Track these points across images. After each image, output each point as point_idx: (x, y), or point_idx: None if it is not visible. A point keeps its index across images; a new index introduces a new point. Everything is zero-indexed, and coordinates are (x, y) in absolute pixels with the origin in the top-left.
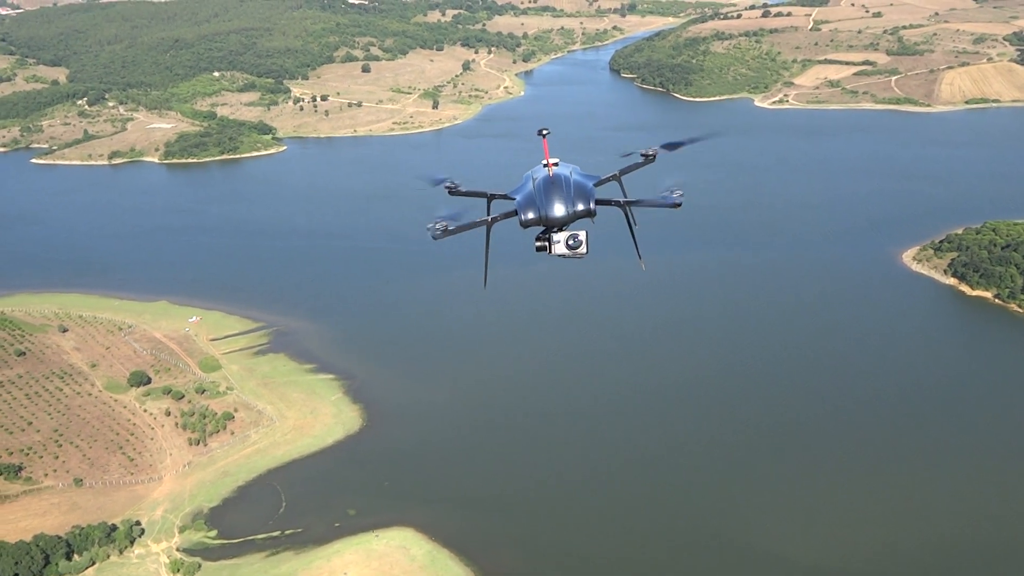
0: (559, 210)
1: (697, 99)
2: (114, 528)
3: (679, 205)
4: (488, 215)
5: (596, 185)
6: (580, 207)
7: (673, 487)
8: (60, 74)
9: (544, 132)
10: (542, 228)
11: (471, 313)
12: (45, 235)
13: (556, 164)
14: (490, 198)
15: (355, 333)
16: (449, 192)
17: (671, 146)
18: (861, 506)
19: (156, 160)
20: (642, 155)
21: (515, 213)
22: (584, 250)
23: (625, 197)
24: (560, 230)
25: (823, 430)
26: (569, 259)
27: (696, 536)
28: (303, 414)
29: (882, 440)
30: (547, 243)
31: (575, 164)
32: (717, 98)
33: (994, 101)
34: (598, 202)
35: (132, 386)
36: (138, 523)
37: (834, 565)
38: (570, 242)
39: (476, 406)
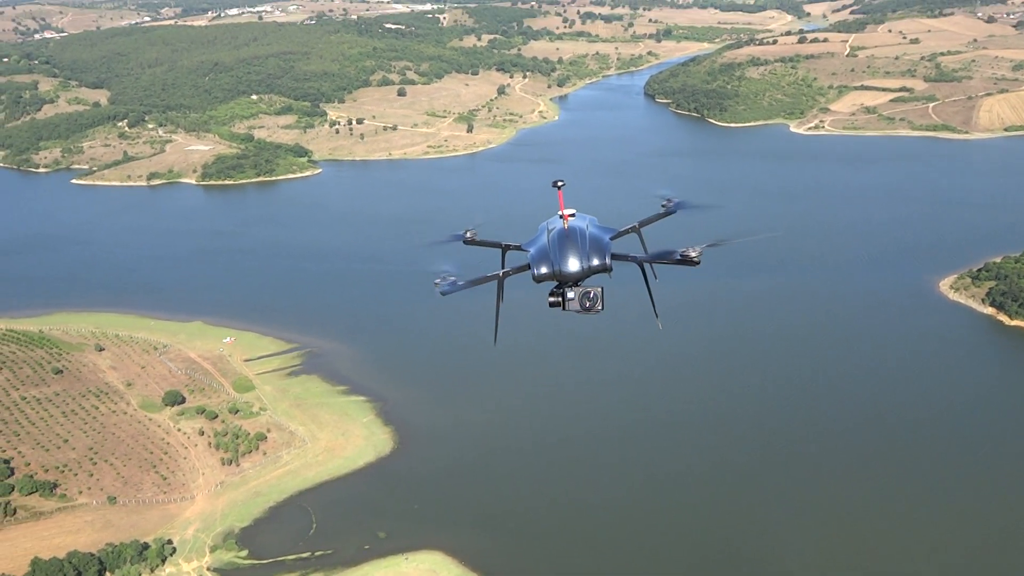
0: (573, 265)
1: (732, 124)
2: (146, 546)
3: (697, 263)
4: (503, 266)
5: (614, 238)
6: (596, 262)
7: (705, 513)
8: (102, 96)
9: (559, 184)
10: (556, 283)
11: (503, 338)
12: (83, 255)
13: (573, 215)
14: (504, 249)
15: (387, 355)
16: (464, 242)
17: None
18: (889, 531)
19: (193, 182)
20: (663, 206)
21: (528, 267)
22: (599, 307)
23: (645, 249)
24: (575, 285)
25: (854, 456)
26: (585, 315)
27: (727, 558)
28: (335, 436)
29: (914, 465)
30: (561, 299)
31: (593, 215)
32: (752, 124)
33: None
34: (614, 257)
35: (166, 405)
36: (170, 542)
37: None
38: (584, 299)
39: (507, 429)
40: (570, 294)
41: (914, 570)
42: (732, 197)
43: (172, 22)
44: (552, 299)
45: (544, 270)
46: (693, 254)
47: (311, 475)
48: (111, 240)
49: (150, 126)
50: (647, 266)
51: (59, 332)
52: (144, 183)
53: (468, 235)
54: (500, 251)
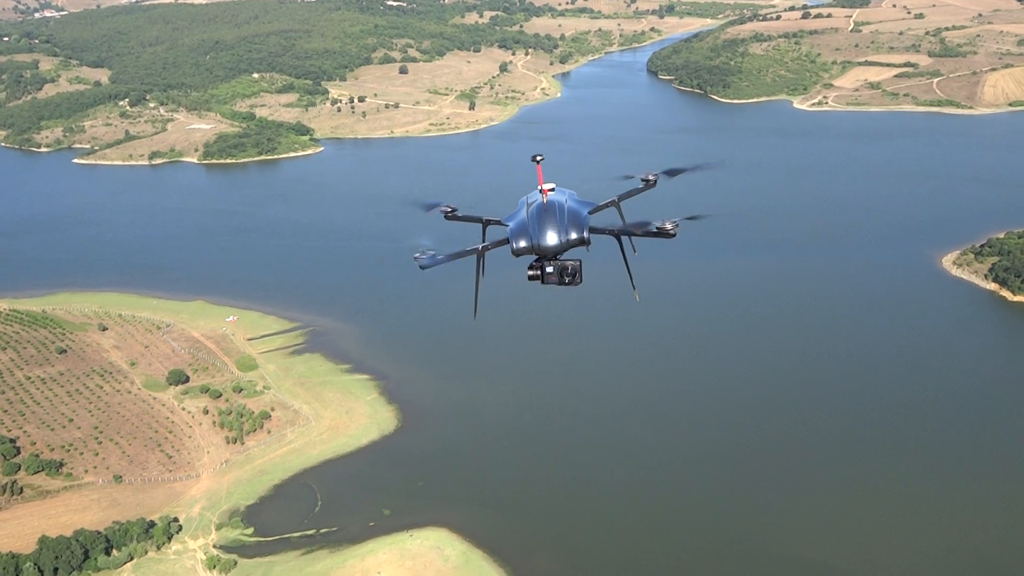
0: (552, 239)
1: (735, 101)
2: (152, 524)
3: (673, 235)
4: (483, 240)
5: (593, 211)
6: (573, 236)
7: (703, 491)
8: (103, 75)
9: (538, 158)
10: (535, 257)
11: (506, 315)
12: (85, 235)
13: (552, 190)
14: (485, 224)
15: (390, 334)
16: (446, 217)
17: (672, 172)
18: (894, 513)
19: (195, 160)
20: (642, 180)
21: (508, 241)
22: (578, 280)
23: (623, 223)
24: (554, 259)
25: (857, 435)
26: (566, 287)
27: (728, 542)
28: (339, 414)
29: (918, 446)
30: (540, 272)
31: (572, 190)
32: (755, 100)
33: None
34: (592, 230)
35: (170, 384)
36: (176, 520)
37: (866, 572)
38: (563, 273)
39: (510, 408)
40: (549, 268)
41: (916, 550)
42: (735, 174)
43: (173, 0)
44: (531, 272)
45: (523, 244)
46: (669, 226)
47: (315, 453)
48: (113, 220)
49: (151, 105)
50: (625, 239)
51: (62, 312)
52: (146, 162)
53: (448, 210)
54: (481, 225)
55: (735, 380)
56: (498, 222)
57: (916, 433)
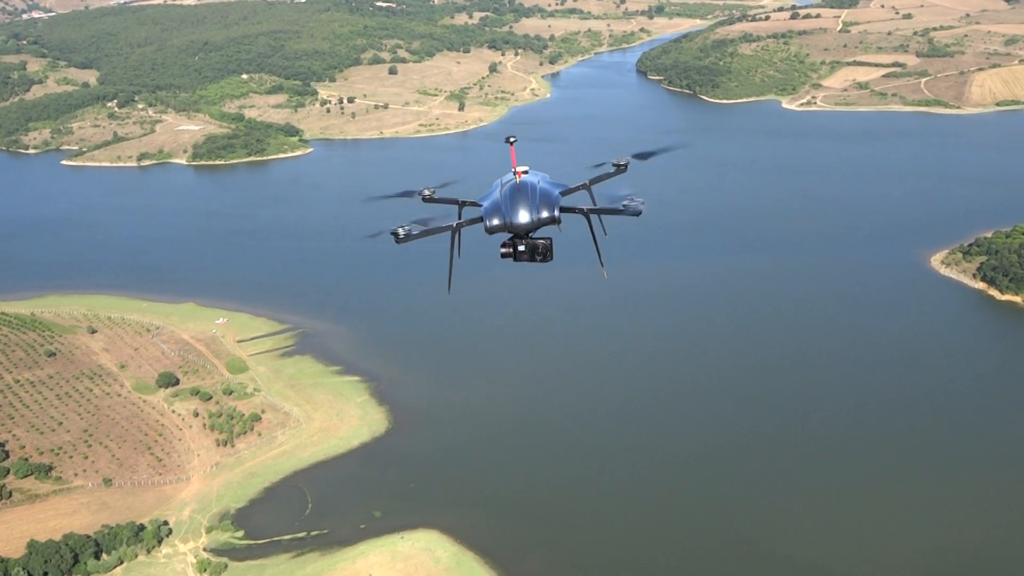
0: (523, 217)
1: (724, 101)
2: (142, 528)
3: (640, 213)
4: (458, 219)
5: (565, 193)
6: (544, 215)
7: (699, 491)
8: (91, 76)
9: (511, 140)
10: (508, 235)
11: (496, 316)
12: (74, 237)
13: (525, 172)
14: (461, 205)
15: (381, 335)
16: (424, 199)
17: (643, 156)
18: (890, 512)
19: (184, 162)
20: (614, 165)
21: (481, 219)
22: (549, 258)
23: (595, 204)
24: (526, 237)
25: (850, 435)
26: (538, 264)
27: (723, 541)
28: (329, 416)
29: (910, 445)
30: (512, 250)
31: (545, 173)
32: (744, 100)
33: None
34: (562, 210)
35: (160, 387)
36: (166, 523)
37: (864, 571)
38: (534, 251)
39: (502, 409)
40: (520, 246)
41: (912, 548)
42: (726, 174)
43: (161, 1)
44: (504, 250)
45: (496, 222)
46: (637, 204)
47: (306, 455)
48: (102, 222)
49: (140, 106)
50: (593, 219)
51: (51, 315)
52: (134, 164)
53: (426, 193)
54: (457, 207)
55: (728, 380)
56: (473, 203)
57: (907, 432)
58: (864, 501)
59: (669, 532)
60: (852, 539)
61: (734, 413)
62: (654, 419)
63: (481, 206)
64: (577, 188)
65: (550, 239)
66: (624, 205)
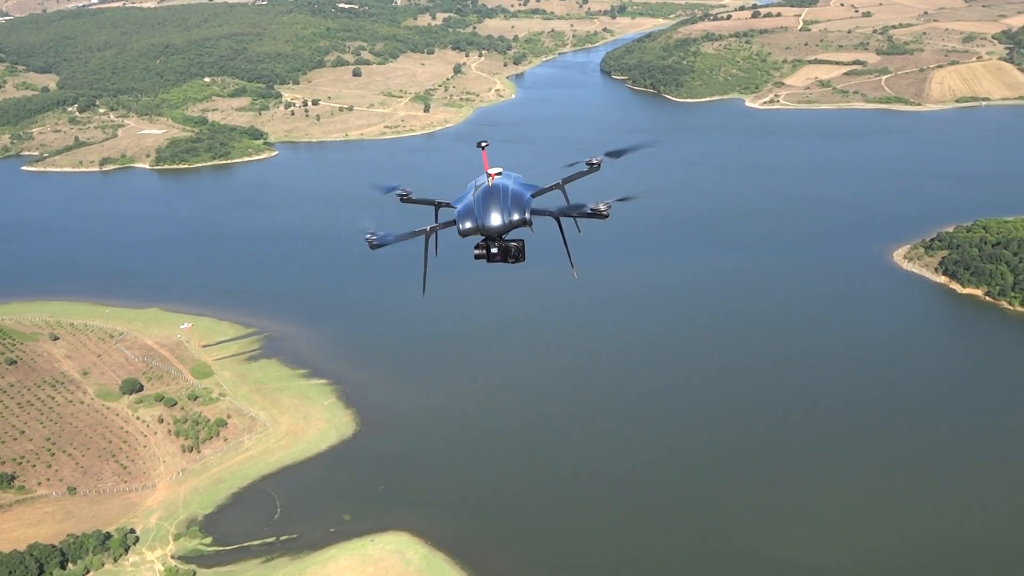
0: (495, 220)
1: (688, 100)
2: (108, 536)
3: (606, 216)
4: (435, 221)
5: (537, 195)
6: (516, 217)
7: (669, 490)
8: (50, 81)
9: (483, 144)
10: (481, 237)
11: (466, 318)
12: (35, 243)
13: (499, 173)
14: (437, 206)
15: (347, 338)
16: (401, 200)
17: (615, 154)
18: (860, 506)
19: (147, 166)
20: (587, 164)
21: (455, 222)
22: (521, 259)
23: (567, 205)
24: (499, 239)
25: (818, 431)
26: (512, 265)
27: (695, 538)
28: (296, 420)
29: (879, 440)
30: (486, 252)
31: (518, 173)
32: (708, 99)
33: (984, 99)
34: (533, 212)
35: (124, 393)
36: (132, 531)
37: (835, 565)
38: (507, 252)
39: (470, 410)
40: (493, 248)
41: (885, 540)
42: (692, 173)
43: (121, 4)
44: (477, 252)
45: (468, 225)
46: (602, 207)
47: (273, 460)
48: (64, 228)
49: (101, 110)
50: (565, 220)
51: (12, 322)
52: (96, 168)
53: (403, 193)
54: (433, 208)
55: (700, 379)
56: (448, 204)
57: (876, 425)
58: (832, 496)
59: (642, 531)
60: (826, 533)
61: (707, 412)
62: (627, 419)
63: (455, 207)
64: (550, 188)
65: (522, 241)
66: (592, 209)
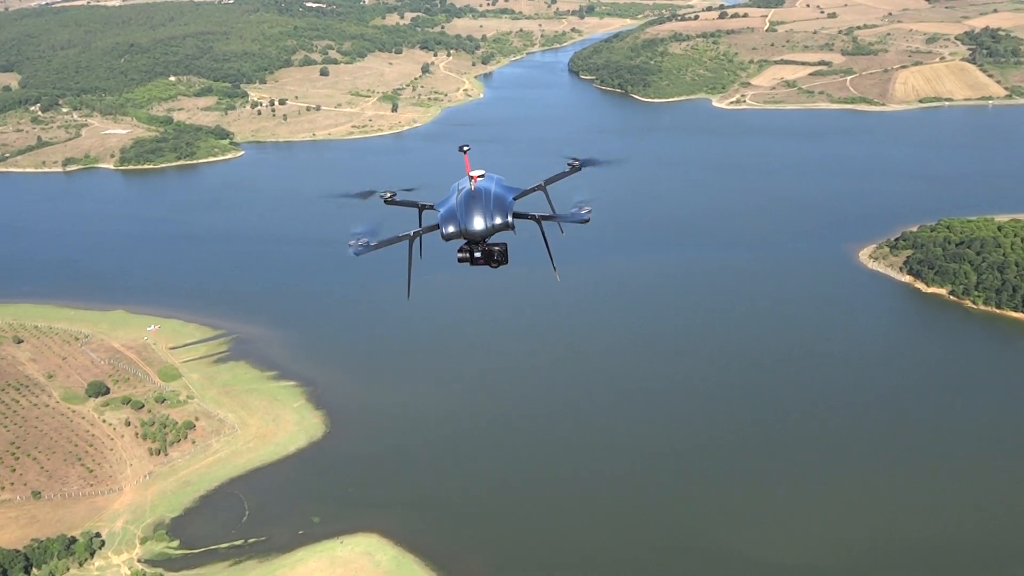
0: (478, 224)
1: (656, 100)
2: (74, 540)
3: (587, 221)
4: (419, 224)
5: (520, 196)
6: (498, 221)
7: (643, 490)
8: (12, 80)
9: (465, 148)
10: (464, 240)
11: (433, 318)
12: None
13: (482, 175)
14: (421, 209)
15: (316, 339)
16: (385, 202)
17: (590, 163)
18: (831, 506)
19: (112, 166)
20: (568, 165)
21: (438, 227)
22: (505, 261)
23: (551, 206)
24: (482, 242)
25: (785, 432)
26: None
27: (668, 539)
28: (265, 422)
29: (847, 439)
30: (469, 255)
31: (500, 175)
32: (675, 99)
33: (947, 100)
34: (515, 215)
35: (90, 396)
36: (98, 535)
37: (811, 564)
38: (489, 256)
39: (440, 410)
40: (477, 252)
41: (854, 539)
42: (661, 173)
43: (84, 2)
44: (461, 255)
45: (451, 229)
46: (583, 212)
47: (242, 462)
48: (27, 229)
49: (64, 110)
50: (544, 224)
51: None
52: (60, 169)
53: (387, 195)
54: (417, 211)
55: (657, 381)
56: (431, 207)
57: (844, 426)
58: (802, 496)
59: (613, 532)
60: (800, 532)
61: (679, 413)
62: (598, 419)
63: (438, 210)
64: (532, 190)
65: (505, 244)
66: (572, 213)
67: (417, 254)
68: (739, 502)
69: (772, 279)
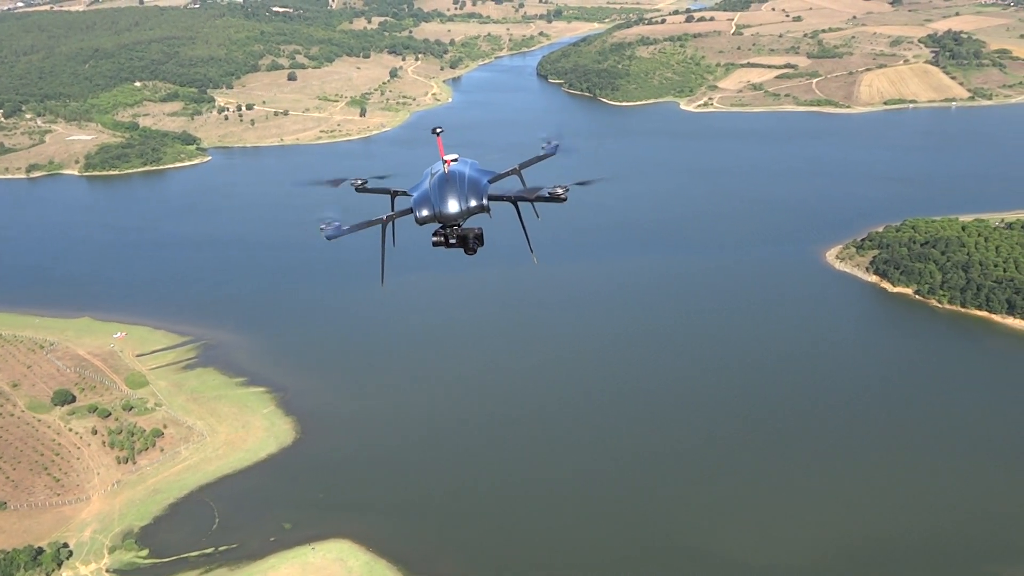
0: (453, 207)
1: (624, 103)
2: (40, 551)
3: (564, 199)
4: (392, 210)
5: (495, 180)
6: (473, 203)
7: (614, 493)
8: None
9: (438, 131)
10: (439, 224)
11: (405, 320)
12: None
13: (455, 160)
14: (393, 195)
15: (285, 344)
16: (356, 189)
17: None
18: (802, 506)
19: (76, 172)
20: (543, 148)
21: (411, 211)
22: (481, 244)
23: (524, 189)
24: (456, 226)
25: (755, 432)
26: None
27: (642, 541)
28: (234, 428)
29: (815, 439)
30: (444, 239)
31: (474, 160)
32: (643, 102)
33: (911, 102)
34: (491, 198)
35: (56, 405)
36: (66, 545)
37: (780, 562)
38: (464, 240)
39: (411, 414)
40: (452, 236)
41: (822, 538)
42: (631, 175)
43: (48, 7)
44: (436, 239)
45: (425, 213)
46: (560, 191)
47: (211, 469)
48: None
49: (28, 116)
50: (524, 205)
51: None
52: (23, 175)
53: (358, 182)
54: (390, 197)
55: (628, 383)
56: (405, 192)
57: (814, 425)
58: (775, 497)
59: (587, 535)
60: (770, 531)
61: (638, 417)
62: (562, 424)
63: (411, 195)
64: (507, 173)
65: (481, 228)
66: (549, 192)
67: (390, 242)
68: (708, 502)
69: (740, 281)
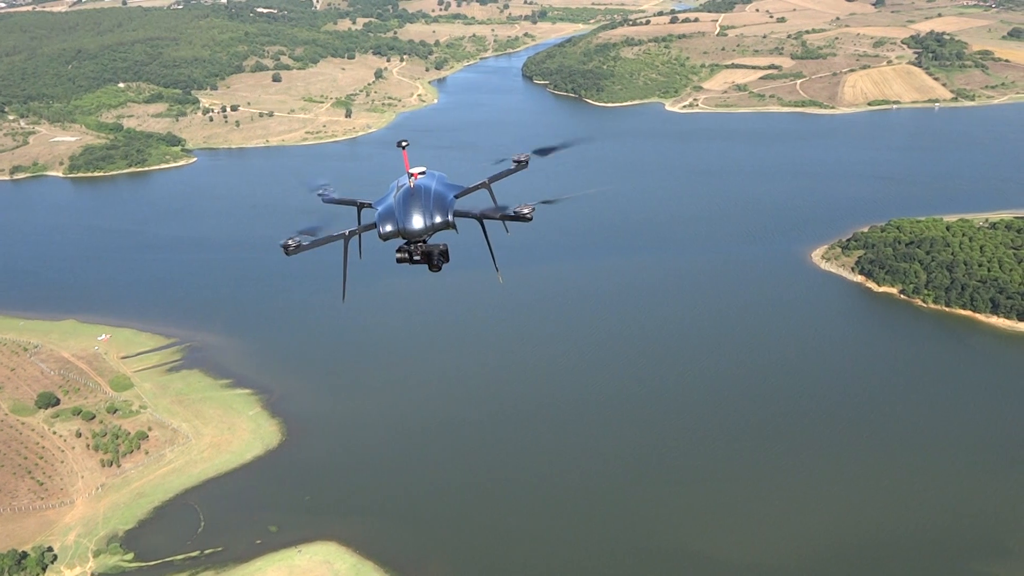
0: (417, 223)
1: (609, 104)
2: (25, 556)
3: (530, 219)
4: (358, 223)
5: (462, 195)
6: (438, 220)
7: (602, 495)
8: None
9: (403, 144)
10: (404, 240)
11: (390, 323)
12: None
13: (423, 172)
14: (359, 207)
15: (271, 346)
16: (323, 200)
17: (543, 152)
18: (788, 505)
19: (60, 174)
20: (514, 161)
21: (375, 225)
22: (446, 260)
23: (495, 205)
24: (421, 242)
25: (741, 433)
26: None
27: (631, 542)
28: (220, 431)
29: (800, 439)
30: (408, 256)
31: (443, 172)
32: (629, 103)
33: (895, 102)
34: (456, 214)
35: (40, 408)
36: (50, 549)
37: (763, 563)
38: (429, 257)
39: (397, 416)
40: (416, 253)
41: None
42: (616, 175)
43: (30, 8)
44: (400, 255)
45: (389, 228)
46: (526, 211)
47: (197, 472)
48: None
49: (10, 117)
50: (490, 222)
51: None
52: (7, 177)
53: (322, 191)
54: (356, 209)
55: (614, 384)
56: (370, 205)
57: (798, 425)
58: (759, 496)
59: (574, 535)
60: (748, 533)
61: (625, 417)
62: (549, 425)
63: (376, 210)
64: (476, 188)
65: (446, 244)
66: (515, 211)
67: (357, 256)
68: (695, 503)
69: (725, 282)
